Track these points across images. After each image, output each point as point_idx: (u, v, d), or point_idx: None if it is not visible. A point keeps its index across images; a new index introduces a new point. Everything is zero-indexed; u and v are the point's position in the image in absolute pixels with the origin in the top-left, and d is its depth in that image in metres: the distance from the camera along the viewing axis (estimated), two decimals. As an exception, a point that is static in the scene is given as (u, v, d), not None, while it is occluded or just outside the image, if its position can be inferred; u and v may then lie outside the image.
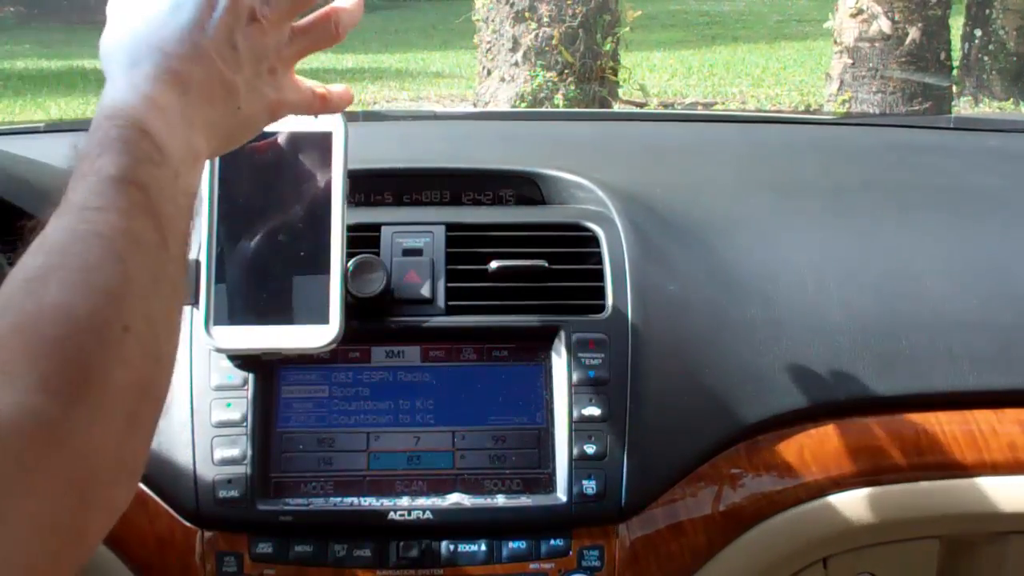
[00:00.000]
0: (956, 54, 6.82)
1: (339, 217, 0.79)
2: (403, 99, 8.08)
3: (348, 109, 0.76)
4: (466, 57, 8.47)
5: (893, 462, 0.91)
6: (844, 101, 5.80)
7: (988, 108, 7.20)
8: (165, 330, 0.53)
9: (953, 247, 1.05)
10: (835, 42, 5.94)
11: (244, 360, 0.85)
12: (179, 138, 0.57)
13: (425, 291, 0.90)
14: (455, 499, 0.85)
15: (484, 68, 5.89)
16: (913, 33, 5.67)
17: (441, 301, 0.90)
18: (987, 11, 7.54)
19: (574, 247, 0.94)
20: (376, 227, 0.93)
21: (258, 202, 0.80)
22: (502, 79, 5.73)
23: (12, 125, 2.38)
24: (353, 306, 0.85)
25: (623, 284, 0.91)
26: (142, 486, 0.84)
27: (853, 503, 0.90)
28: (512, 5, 5.59)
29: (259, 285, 0.80)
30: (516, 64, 5.66)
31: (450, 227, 0.94)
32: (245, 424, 0.85)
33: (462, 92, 8.04)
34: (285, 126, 0.79)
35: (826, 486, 0.90)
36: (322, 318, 0.79)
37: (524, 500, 0.85)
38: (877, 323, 0.96)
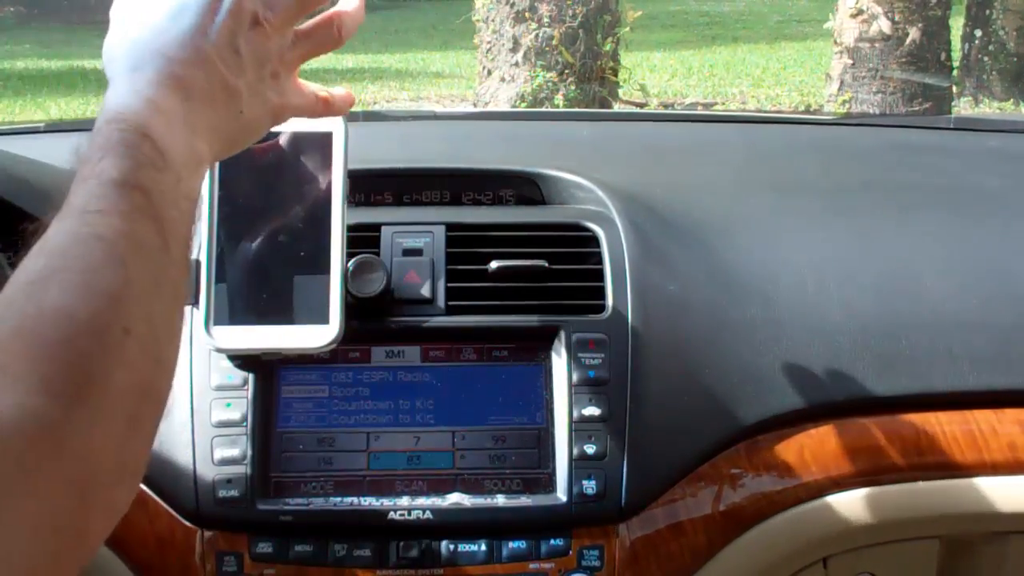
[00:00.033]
0: (956, 54, 6.82)
1: (339, 217, 0.79)
2: (403, 99, 8.07)
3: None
4: (466, 57, 8.47)
5: (893, 462, 0.91)
6: (844, 101, 5.80)
7: (988, 108, 7.20)
8: (166, 332, 0.53)
9: (953, 247, 1.05)
10: (835, 42, 5.94)
11: (244, 360, 0.85)
12: (181, 142, 0.57)
13: (425, 291, 0.90)
14: (455, 499, 0.85)
15: (484, 68, 5.89)
16: (913, 33, 5.67)
17: (441, 301, 0.90)
18: (987, 11, 7.55)
19: (574, 247, 0.94)
20: (376, 227, 0.93)
21: (258, 202, 0.80)
22: (502, 79, 5.73)
23: (12, 125, 2.38)
24: (353, 306, 0.85)
25: (623, 284, 0.91)
26: (142, 486, 0.84)
27: (853, 503, 0.90)
28: (512, 5, 5.59)
29: (259, 285, 0.80)
30: (516, 64, 5.66)
31: (450, 227, 0.94)
32: (245, 424, 0.85)
33: (462, 92, 8.04)
34: (285, 126, 0.79)
35: (826, 486, 0.90)
36: (322, 318, 0.79)
37: (524, 500, 0.85)
38: (877, 323, 0.96)
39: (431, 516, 0.83)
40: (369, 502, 0.84)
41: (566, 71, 5.62)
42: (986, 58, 7.53)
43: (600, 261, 0.93)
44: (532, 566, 0.84)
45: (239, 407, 0.85)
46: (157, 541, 0.84)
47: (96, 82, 8.34)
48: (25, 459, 0.44)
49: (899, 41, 5.69)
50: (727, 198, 1.11)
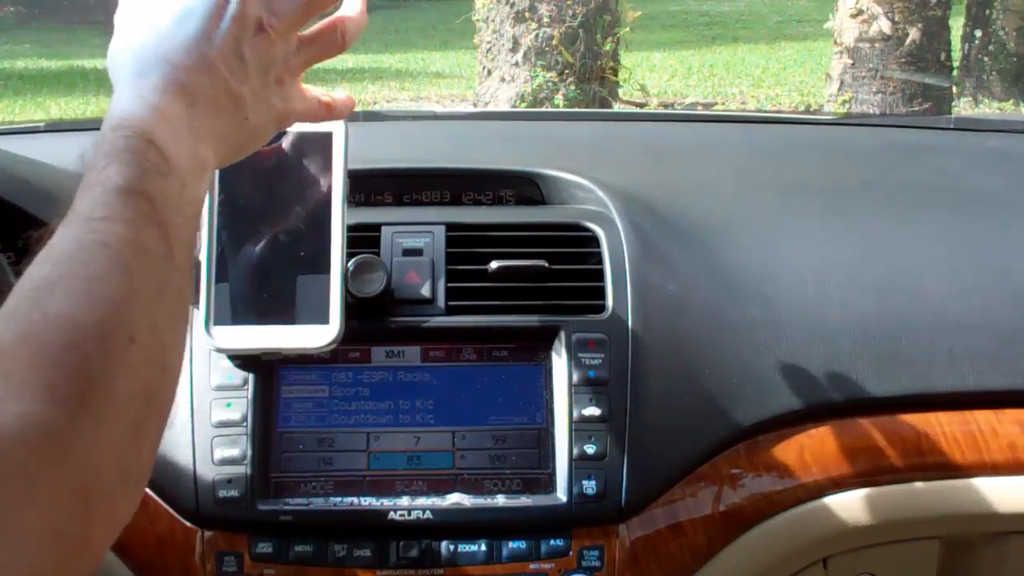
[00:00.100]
0: (956, 55, 6.82)
1: (339, 217, 0.79)
2: (403, 99, 8.08)
3: (348, 109, 0.76)
4: (466, 57, 8.47)
5: (893, 463, 0.91)
6: (844, 101, 5.80)
7: (988, 108, 7.21)
8: (170, 340, 0.53)
9: (953, 247, 1.05)
10: (835, 43, 5.94)
11: (244, 360, 0.85)
12: (186, 149, 0.57)
13: (425, 291, 0.90)
14: (455, 499, 0.85)
15: (484, 68, 5.89)
16: (913, 34, 5.67)
17: (441, 301, 0.90)
18: (987, 12, 7.55)
19: (574, 247, 0.94)
20: (376, 227, 0.93)
21: (259, 202, 0.80)
22: (502, 79, 5.73)
23: (12, 125, 2.38)
24: (353, 306, 0.85)
25: (623, 284, 0.91)
26: (142, 486, 0.84)
27: (853, 503, 0.90)
28: (512, 5, 5.59)
29: (259, 285, 0.80)
30: (516, 64, 5.66)
31: (450, 227, 0.94)
32: (245, 424, 0.85)
33: (462, 92, 8.04)
34: (285, 126, 0.79)
35: (826, 486, 0.90)
36: (322, 318, 0.79)
37: (524, 500, 0.85)
38: (877, 324, 0.96)
39: (431, 516, 0.83)
40: (369, 502, 0.84)
41: (566, 71, 5.63)
42: (986, 58, 7.53)
43: (600, 261, 0.92)
44: (532, 566, 0.84)
45: (239, 407, 0.85)
46: (157, 541, 0.84)
47: (96, 82, 8.35)
48: (29, 467, 0.44)
49: (899, 41, 5.69)
50: (727, 198, 1.11)
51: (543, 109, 5.20)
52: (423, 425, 0.87)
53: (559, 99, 5.60)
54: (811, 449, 0.91)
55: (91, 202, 0.52)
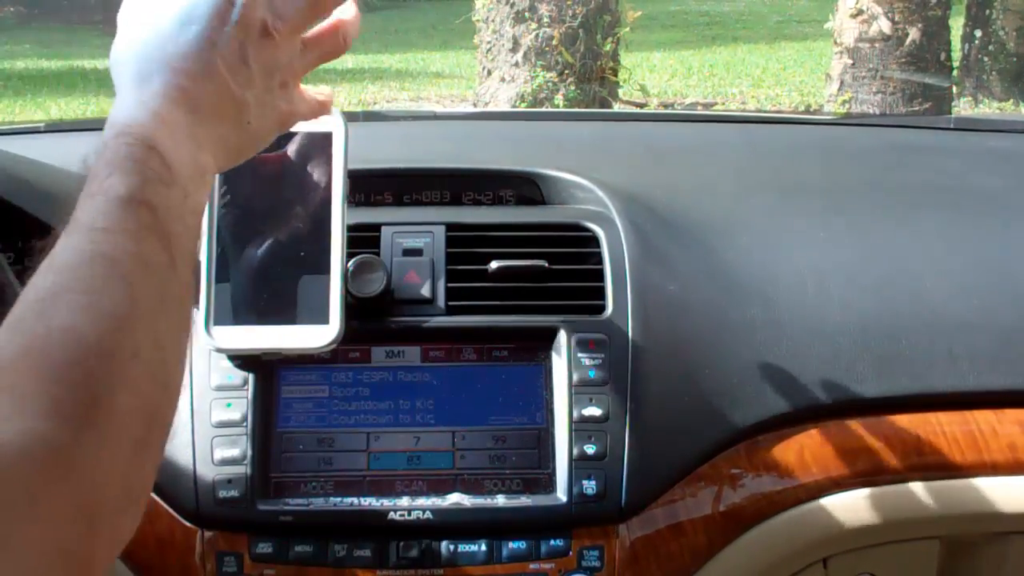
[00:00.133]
0: (956, 55, 6.82)
1: (339, 217, 0.79)
2: (403, 99, 8.08)
3: (348, 109, 0.76)
4: (466, 57, 8.47)
5: (893, 463, 0.91)
6: (844, 101, 5.80)
7: (988, 108, 7.21)
8: (173, 355, 0.53)
9: (953, 247, 1.05)
10: (835, 43, 5.94)
11: (244, 360, 0.85)
12: (188, 156, 0.57)
13: (425, 291, 0.90)
14: (455, 499, 0.85)
15: (484, 68, 5.90)
16: (913, 34, 5.67)
17: (441, 301, 0.90)
18: (987, 12, 7.55)
19: (574, 247, 0.94)
20: (376, 227, 0.93)
21: (258, 202, 0.80)
22: (502, 79, 5.73)
23: (12, 125, 2.38)
24: (353, 306, 0.85)
25: (623, 284, 0.91)
26: (142, 486, 0.84)
27: (853, 503, 0.90)
28: (512, 5, 5.59)
29: (259, 285, 0.80)
30: (516, 64, 5.66)
31: (450, 227, 0.94)
32: (245, 424, 0.85)
33: (462, 92, 8.04)
34: (285, 126, 0.79)
35: (826, 486, 0.90)
36: (322, 318, 0.79)
37: (524, 500, 0.85)
38: (877, 324, 0.96)
39: (431, 516, 0.83)
40: (369, 502, 0.84)
41: (566, 71, 5.63)
42: (986, 58, 7.53)
43: (600, 261, 0.92)
44: (532, 566, 0.84)
45: (239, 407, 0.85)
46: (157, 541, 0.84)
47: (96, 82, 8.35)
48: (32, 483, 0.44)
49: (899, 41, 5.69)
50: (727, 198, 1.11)
51: (543, 109, 5.20)
52: (423, 425, 0.87)
53: (559, 99, 5.60)
54: (811, 449, 0.91)
55: (93, 211, 0.52)
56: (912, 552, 0.95)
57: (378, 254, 0.91)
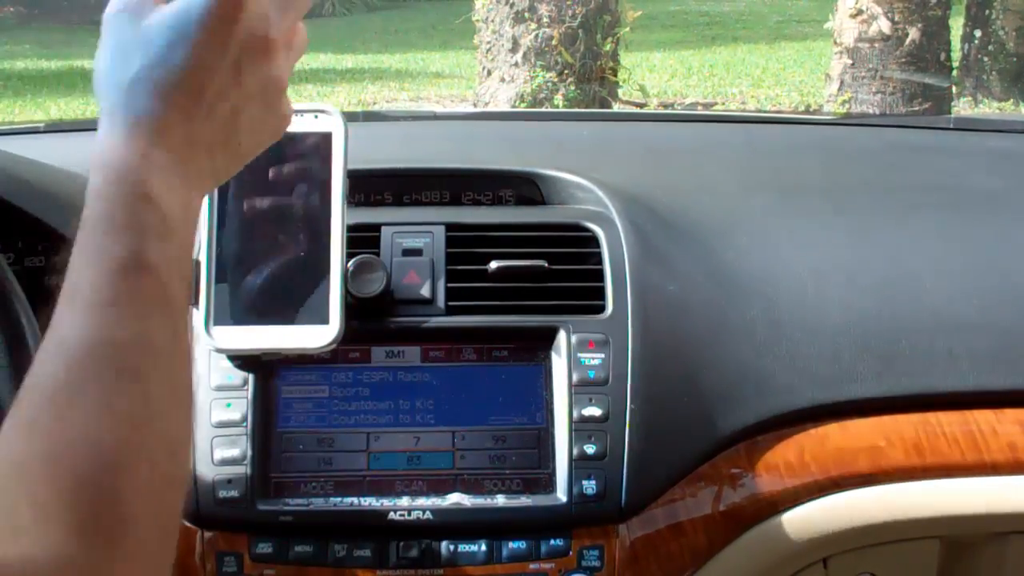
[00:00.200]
0: (956, 54, 6.83)
1: (339, 217, 0.79)
2: (403, 99, 8.08)
3: (348, 109, 0.75)
4: (466, 57, 8.47)
5: (893, 462, 0.91)
6: (844, 101, 5.80)
7: (988, 108, 7.21)
8: (182, 451, 0.53)
9: (953, 247, 1.05)
10: (835, 43, 5.94)
11: (244, 360, 0.85)
12: (180, 200, 0.55)
13: (425, 291, 0.90)
14: (455, 499, 0.85)
15: (484, 68, 5.90)
16: (913, 34, 5.67)
17: (441, 301, 0.90)
18: (987, 11, 7.55)
19: (574, 247, 0.94)
20: (376, 227, 0.93)
21: (258, 202, 0.80)
22: (502, 79, 5.74)
23: (12, 125, 2.38)
24: (353, 306, 0.85)
25: (623, 284, 0.91)
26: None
27: (853, 503, 0.90)
28: (512, 5, 5.59)
29: (259, 285, 0.80)
30: (516, 64, 5.66)
31: (450, 227, 0.94)
32: (245, 424, 0.85)
33: (462, 92, 8.04)
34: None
35: (826, 486, 0.90)
36: (322, 318, 0.79)
37: (524, 500, 0.85)
38: (877, 323, 0.96)
39: (431, 516, 0.83)
40: (369, 502, 0.84)
41: (566, 71, 5.63)
42: (986, 58, 7.53)
43: (600, 261, 0.92)
44: (532, 566, 0.84)
45: (239, 407, 0.85)
46: (157, 541, 0.84)
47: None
48: None
49: (899, 41, 5.69)
50: (727, 198, 1.11)
51: (543, 109, 5.21)
52: (423, 425, 0.87)
53: (559, 99, 5.61)
54: (811, 449, 0.91)
55: (94, 280, 0.51)
56: (912, 552, 0.95)
57: (378, 254, 0.91)
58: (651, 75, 8.26)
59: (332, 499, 0.85)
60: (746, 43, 10.63)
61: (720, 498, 0.89)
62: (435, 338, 0.89)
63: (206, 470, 0.83)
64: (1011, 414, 0.94)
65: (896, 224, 1.08)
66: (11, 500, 0.45)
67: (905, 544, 0.94)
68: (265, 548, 0.83)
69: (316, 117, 0.79)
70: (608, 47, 5.71)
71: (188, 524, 0.84)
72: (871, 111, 5.68)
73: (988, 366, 0.95)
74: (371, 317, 0.88)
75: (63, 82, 8.67)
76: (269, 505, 0.84)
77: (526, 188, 1.05)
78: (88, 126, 1.39)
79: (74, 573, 0.44)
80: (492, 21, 5.73)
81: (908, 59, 5.70)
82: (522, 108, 5.36)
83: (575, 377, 0.87)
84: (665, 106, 7.17)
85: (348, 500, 0.84)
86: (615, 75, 5.88)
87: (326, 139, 0.80)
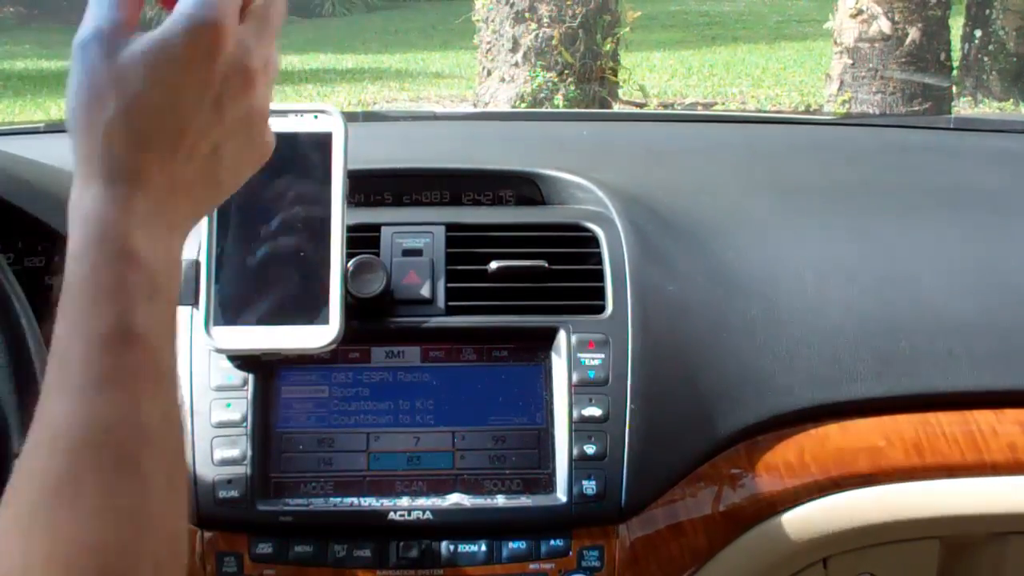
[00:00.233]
0: (956, 54, 6.83)
1: (339, 217, 0.79)
2: (403, 99, 8.08)
3: (348, 109, 0.75)
4: (466, 57, 8.48)
5: (893, 462, 0.91)
6: (844, 101, 5.81)
7: (988, 108, 7.21)
8: (182, 544, 0.52)
9: (953, 247, 1.05)
10: (835, 43, 5.95)
11: (244, 360, 0.85)
12: (163, 252, 0.53)
13: (425, 291, 0.90)
14: (455, 499, 0.85)
15: (484, 68, 5.90)
16: (913, 33, 5.67)
17: (441, 301, 0.90)
18: (987, 11, 7.55)
19: (574, 247, 0.94)
20: (376, 227, 0.93)
21: (258, 202, 0.80)
22: (502, 79, 5.74)
23: (12, 125, 2.38)
24: (353, 306, 0.85)
25: (623, 285, 0.91)
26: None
27: (853, 503, 0.90)
28: (512, 5, 5.59)
29: (259, 285, 0.80)
30: (516, 64, 5.67)
31: (450, 227, 0.94)
32: (245, 424, 0.85)
33: (462, 92, 8.05)
34: (285, 126, 0.79)
35: (826, 486, 0.90)
36: (322, 318, 0.79)
37: (524, 500, 0.85)
38: (877, 323, 0.96)
39: (431, 516, 0.83)
40: (369, 502, 0.84)
41: (566, 71, 5.63)
42: (986, 58, 7.53)
43: (600, 261, 0.92)
44: (532, 566, 0.84)
45: (239, 407, 0.85)
46: (157, 541, 0.84)
47: (96, 82, 8.33)
48: None
49: (899, 41, 5.69)
50: (727, 198, 1.11)
51: (543, 109, 5.21)
52: (423, 425, 0.87)
53: (559, 99, 5.61)
54: (811, 449, 0.91)
55: (83, 357, 0.49)
56: (912, 552, 0.95)
57: (378, 254, 0.91)
58: (651, 75, 8.26)
59: (332, 499, 0.85)
60: (746, 43, 10.63)
61: (720, 498, 0.89)
62: (435, 338, 0.89)
63: (206, 470, 0.83)
64: (1011, 414, 0.94)
65: (896, 224, 1.08)
66: None
67: (905, 544, 0.94)
68: (265, 548, 0.83)
69: (316, 117, 0.79)
70: (608, 47, 5.71)
71: (188, 524, 0.84)
72: (871, 111, 5.68)
73: (988, 366, 0.95)
74: (371, 317, 0.88)
75: (63, 82, 8.63)
76: (269, 505, 0.84)
77: (526, 188, 1.05)
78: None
79: None
80: (492, 21, 5.73)
81: (908, 59, 5.70)
82: (522, 108, 5.37)
83: (575, 377, 0.87)
84: (665, 106, 7.17)
85: (348, 500, 0.84)
86: (615, 75, 5.89)
87: (326, 139, 0.80)
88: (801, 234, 1.06)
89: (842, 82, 5.84)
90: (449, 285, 0.91)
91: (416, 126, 1.50)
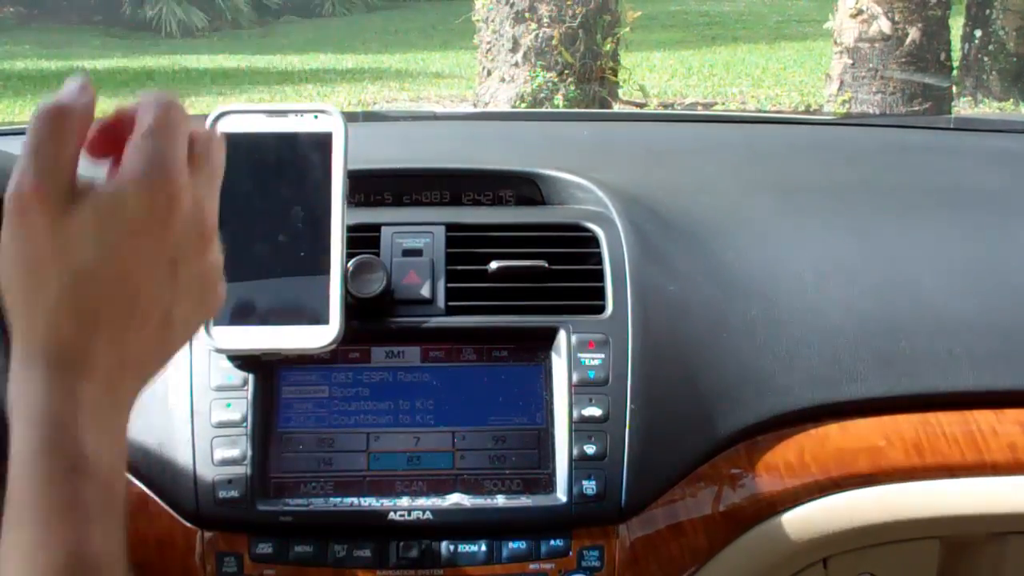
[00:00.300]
0: (956, 54, 6.83)
1: (339, 217, 0.79)
2: (403, 99, 8.09)
3: (348, 109, 0.75)
4: (466, 57, 8.48)
5: (893, 462, 0.91)
6: (844, 101, 5.81)
7: (988, 108, 7.21)
8: None
9: (953, 247, 1.05)
10: (835, 43, 5.95)
11: (244, 360, 0.85)
12: (113, 429, 0.49)
13: (425, 291, 0.90)
14: (455, 499, 0.85)
15: (484, 68, 5.90)
16: (913, 33, 5.67)
17: (441, 301, 0.90)
18: (987, 11, 7.55)
19: (574, 247, 0.94)
20: (376, 227, 0.93)
21: (258, 202, 0.80)
22: (502, 79, 5.74)
23: (12, 125, 2.38)
24: (353, 306, 0.85)
25: (623, 284, 0.91)
26: (142, 486, 0.84)
27: (853, 503, 0.90)
28: (512, 5, 5.59)
29: (259, 285, 0.80)
30: (516, 64, 5.67)
31: (450, 227, 0.94)
32: (245, 424, 0.85)
33: (462, 92, 8.05)
34: (285, 126, 0.79)
35: (826, 486, 0.90)
36: (322, 318, 0.79)
37: (524, 500, 0.85)
38: (877, 323, 0.96)
39: (431, 516, 0.83)
40: (369, 502, 0.84)
41: (566, 71, 5.63)
42: (986, 58, 7.53)
43: (600, 261, 0.92)
44: (532, 566, 0.84)
45: (239, 407, 0.85)
46: (157, 542, 0.84)
47: (95, 83, 8.34)
48: None
49: (899, 41, 5.70)
50: (727, 198, 1.11)
51: (543, 109, 5.21)
52: (423, 425, 0.87)
53: (559, 99, 5.61)
54: (811, 449, 0.91)
55: None
56: (912, 552, 0.95)
57: (378, 254, 0.91)
58: (651, 75, 8.26)
59: (332, 499, 0.85)
60: (746, 43, 10.64)
61: (720, 498, 0.89)
62: (435, 338, 0.89)
63: (206, 470, 0.83)
64: (1011, 414, 0.94)
65: (896, 224, 1.08)
66: None
67: (905, 544, 0.94)
68: (265, 548, 0.83)
69: (316, 117, 0.79)
70: (608, 47, 5.71)
71: (188, 524, 0.84)
72: (871, 111, 5.68)
73: (988, 366, 0.95)
74: (371, 317, 0.88)
75: (63, 82, 8.66)
76: (269, 505, 0.84)
77: (526, 188, 1.05)
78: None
79: None
80: (492, 21, 5.73)
81: (908, 59, 5.71)
82: (522, 108, 5.37)
83: (575, 377, 0.87)
84: (665, 106, 7.18)
85: (348, 500, 0.84)
86: (615, 75, 5.89)
87: (326, 139, 0.80)
88: (801, 234, 1.06)
89: (842, 82, 5.84)
90: (449, 285, 0.91)
91: (416, 126, 1.50)
